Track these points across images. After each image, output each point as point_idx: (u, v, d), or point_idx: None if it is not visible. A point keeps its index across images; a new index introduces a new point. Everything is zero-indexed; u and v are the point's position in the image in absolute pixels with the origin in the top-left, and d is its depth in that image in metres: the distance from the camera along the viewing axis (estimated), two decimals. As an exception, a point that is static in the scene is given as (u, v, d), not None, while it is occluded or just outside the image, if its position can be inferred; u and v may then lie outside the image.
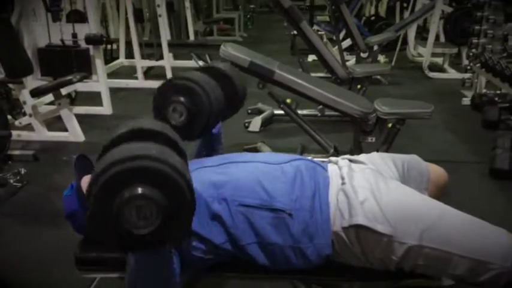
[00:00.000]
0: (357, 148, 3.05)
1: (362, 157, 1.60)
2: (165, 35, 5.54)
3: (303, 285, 1.62)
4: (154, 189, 0.98)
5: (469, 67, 5.08)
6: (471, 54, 5.04)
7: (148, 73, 5.99)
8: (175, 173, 1.01)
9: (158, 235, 1.01)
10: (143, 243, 1.03)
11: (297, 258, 1.35)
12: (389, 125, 2.97)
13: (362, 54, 5.36)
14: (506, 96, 4.45)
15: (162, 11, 5.50)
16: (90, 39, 4.44)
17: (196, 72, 1.76)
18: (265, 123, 4.14)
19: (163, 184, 1.00)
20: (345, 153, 3.08)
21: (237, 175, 1.41)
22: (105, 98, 4.66)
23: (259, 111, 4.48)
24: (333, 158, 1.60)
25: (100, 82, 4.61)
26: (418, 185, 1.59)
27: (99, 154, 1.09)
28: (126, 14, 5.96)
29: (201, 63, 6.15)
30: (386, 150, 2.96)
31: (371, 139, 2.99)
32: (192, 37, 7.17)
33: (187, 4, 7.06)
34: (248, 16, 11.75)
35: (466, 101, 4.78)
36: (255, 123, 4.04)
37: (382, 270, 1.36)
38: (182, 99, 1.65)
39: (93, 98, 4.71)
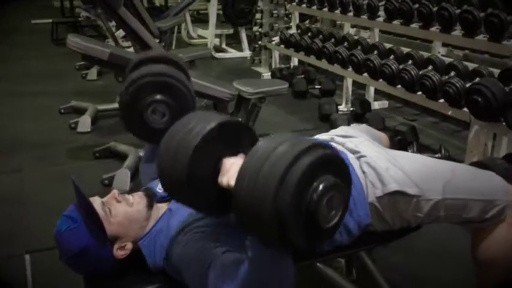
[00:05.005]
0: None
1: (341, 131, 1.67)
2: None
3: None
4: (335, 176, 0.94)
5: (256, 45, 5.53)
6: (257, 33, 5.48)
7: None
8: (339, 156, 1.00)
9: (339, 223, 0.98)
10: (327, 235, 0.98)
11: (341, 236, 1.38)
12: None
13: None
14: (298, 68, 5.00)
15: None
16: None
17: (159, 65, 1.56)
18: (94, 121, 3.78)
19: (339, 169, 0.97)
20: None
21: None
22: None
23: (74, 109, 4.06)
24: (322, 136, 1.63)
25: None
26: (379, 150, 1.75)
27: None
28: None
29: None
30: (251, 129, 3.08)
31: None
32: None
33: None
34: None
35: (267, 76, 5.19)
36: (84, 123, 3.65)
37: (398, 230, 1.48)
38: (161, 97, 1.46)
39: None
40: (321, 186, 0.90)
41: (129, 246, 1.28)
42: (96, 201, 1.25)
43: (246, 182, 0.90)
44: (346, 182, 0.99)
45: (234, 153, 1.10)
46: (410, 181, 1.39)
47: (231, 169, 1.04)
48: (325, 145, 0.96)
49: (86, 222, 1.21)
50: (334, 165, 0.96)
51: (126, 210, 1.28)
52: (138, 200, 1.30)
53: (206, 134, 1.03)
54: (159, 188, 1.39)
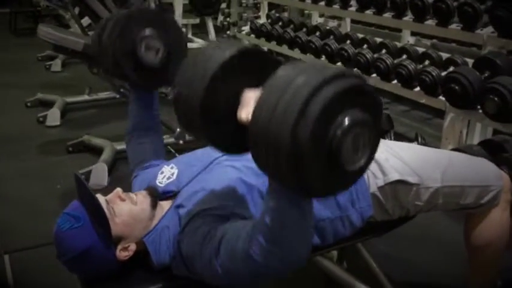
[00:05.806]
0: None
1: None
2: None
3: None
4: (363, 111, 0.82)
5: (225, 35, 5.50)
6: (226, 23, 5.45)
7: None
8: (370, 87, 0.86)
9: (365, 168, 0.87)
10: (350, 179, 0.88)
11: (344, 228, 1.39)
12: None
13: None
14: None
15: None
16: None
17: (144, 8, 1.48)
18: (63, 114, 3.66)
19: (370, 103, 0.84)
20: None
21: None
22: None
23: (41, 102, 3.92)
24: None
25: None
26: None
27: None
28: None
29: None
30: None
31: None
32: None
33: None
34: None
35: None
36: (53, 116, 3.53)
37: (396, 219, 1.50)
38: (154, 32, 1.39)
39: None
40: (346, 121, 0.79)
41: (133, 247, 1.23)
42: (100, 199, 1.21)
43: (262, 115, 0.81)
44: (377, 119, 0.86)
45: (258, 86, 0.95)
46: (410, 170, 1.41)
47: (251, 102, 0.91)
48: (354, 74, 0.84)
49: (92, 221, 1.16)
50: (364, 97, 0.84)
51: (131, 208, 1.23)
52: (141, 198, 1.26)
53: (225, 62, 0.94)
54: (158, 182, 1.35)
